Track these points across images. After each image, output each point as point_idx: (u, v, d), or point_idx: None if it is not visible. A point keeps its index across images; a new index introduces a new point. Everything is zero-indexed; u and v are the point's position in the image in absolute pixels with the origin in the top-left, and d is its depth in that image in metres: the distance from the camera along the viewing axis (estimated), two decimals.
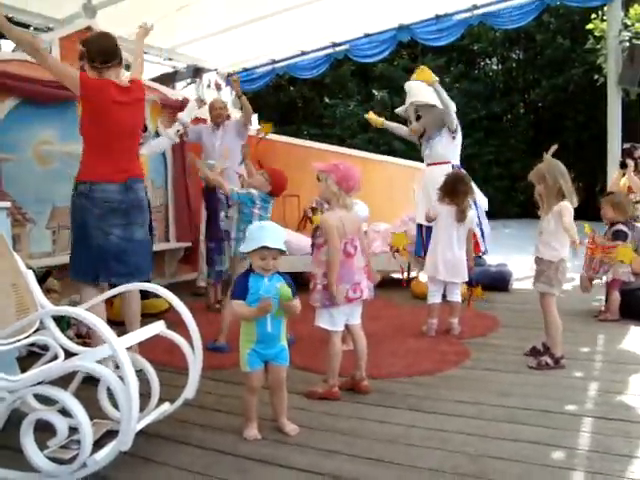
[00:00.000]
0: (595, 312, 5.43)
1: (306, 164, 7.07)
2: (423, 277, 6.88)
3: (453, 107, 6.24)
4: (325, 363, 3.48)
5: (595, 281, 5.59)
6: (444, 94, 6.07)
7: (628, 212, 5.44)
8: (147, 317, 4.26)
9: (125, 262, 3.85)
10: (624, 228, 5.30)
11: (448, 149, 6.42)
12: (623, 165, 6.02)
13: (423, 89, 6.40)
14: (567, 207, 3.86)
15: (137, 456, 2.69)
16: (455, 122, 6.22)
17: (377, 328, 4.99)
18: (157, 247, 7.21)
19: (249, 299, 2.84)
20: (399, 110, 6.95)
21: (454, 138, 6.34)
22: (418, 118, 6.60)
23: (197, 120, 6.95)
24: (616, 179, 6.26)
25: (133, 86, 3.93)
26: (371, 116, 7.07)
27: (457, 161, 6.40)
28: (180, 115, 6.12)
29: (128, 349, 2.61)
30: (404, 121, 6.97)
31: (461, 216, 4.88)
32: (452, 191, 4.90)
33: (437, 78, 6.03)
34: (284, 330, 2.96)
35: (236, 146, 6.43)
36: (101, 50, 3.81)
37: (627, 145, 6.51)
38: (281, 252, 2.87)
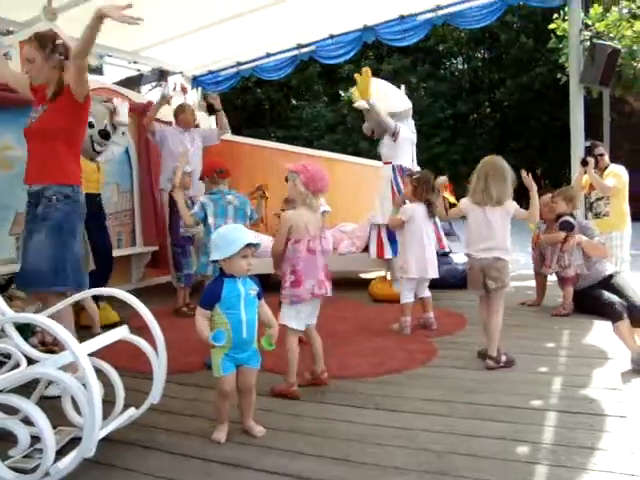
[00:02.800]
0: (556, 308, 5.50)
1: (272, 166, 7.11)
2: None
3: (386, 114, 6.32)
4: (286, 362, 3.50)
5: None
6: (375, 108, 6.13)
7: (578, 207, 5.59)
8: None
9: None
10: (570, 219, 5.38)
11: (391, 150, 6.46)
12: (584, 163, 6.11)
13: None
14: (462, 202, 4.08)
15: (102, 463, 2.66)
16: (392, 126, 6.24)
17: (343, 328, 5.01)
18: (123, 252, 7.16)
19: (224, 305, 2.83)
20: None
21: (395, 141, 6.39)
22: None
23: (157, 121, 6.91)
24: (579, 176, 6.35)
25: None
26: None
27: (400, 162, 6.41)
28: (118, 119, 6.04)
29: (91, 355, 2.59)
30: None
31: (433, 212, 4.98)
32: (426, 188, 4.98)
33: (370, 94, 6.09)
34: (256, 334, 2.95)
35: (200, 152, 6.52)
36: None
37: (587, 143, 6.61)
38: (256, 248, 2.90)
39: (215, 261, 2.92)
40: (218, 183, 4.34)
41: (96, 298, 5.10)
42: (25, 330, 4.11)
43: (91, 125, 5.47)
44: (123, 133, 5.77)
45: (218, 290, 2.84)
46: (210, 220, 4.19)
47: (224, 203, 4.24)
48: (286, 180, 3.59)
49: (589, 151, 6.31)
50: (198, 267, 4.40)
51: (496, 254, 4.00)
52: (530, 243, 6.03)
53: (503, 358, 3.93)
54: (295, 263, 3.45)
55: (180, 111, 6.86)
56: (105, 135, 5.41)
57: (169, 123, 7.31)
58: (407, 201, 5.13)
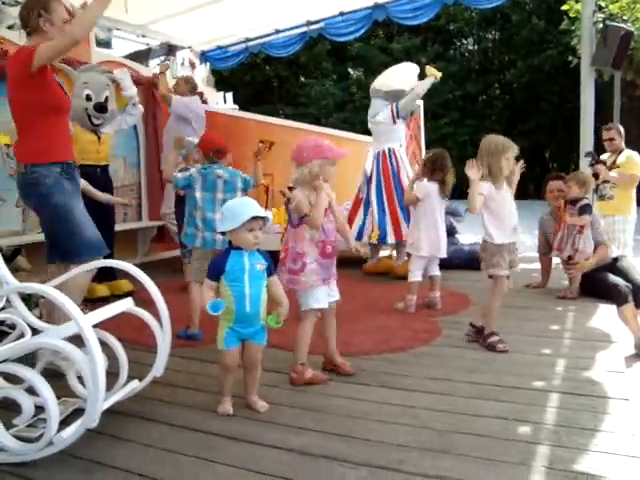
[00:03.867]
0: (561, 290, 5.49)
1: (279, 142, 7.07)
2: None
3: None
4: (296, 345, 3.40)
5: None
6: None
7: (590, 191, 5.56)
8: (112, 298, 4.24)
9: None
10: (589, 202, 5.37)
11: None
12: (595, 176, 6.07)
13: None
14: (481, 185, 3.84)
15: (105, 434, 2.67)
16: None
17: (348, 306, 4.97)
18: (129, 226, 7.17)
19: (228, 277, 2.82)
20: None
21: (395, 123, 6.50)
22: None
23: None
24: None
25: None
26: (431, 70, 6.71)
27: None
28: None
29: (95, 326, 2.59)
30: None
31: (447, 191, 4.99)
32: (442, 167, 4.96)
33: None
34: (264, 309, 2.92)
35: None
36: None
37: (589, 155, 6.57)
38: (265, 221, 2.86)
39: (223, 233, 2.92)
40: (214, 162, 4.28)
41: (104, 272, 5.05)
42: (29, 302, 4.11)
43: (89, 98, 5.35)
44: (134, 104, 5.68)
45: (223, 262, 2.84)
46: (197, 194, 4.19)
47: (214, 177, 4.22)
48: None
49: (595, 160, 6.28)
50: (184, 238, 4.35)
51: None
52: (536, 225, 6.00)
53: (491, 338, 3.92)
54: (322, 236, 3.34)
55: (185, 82, 6.81)
56: (100, 108, 5.31)
57: None
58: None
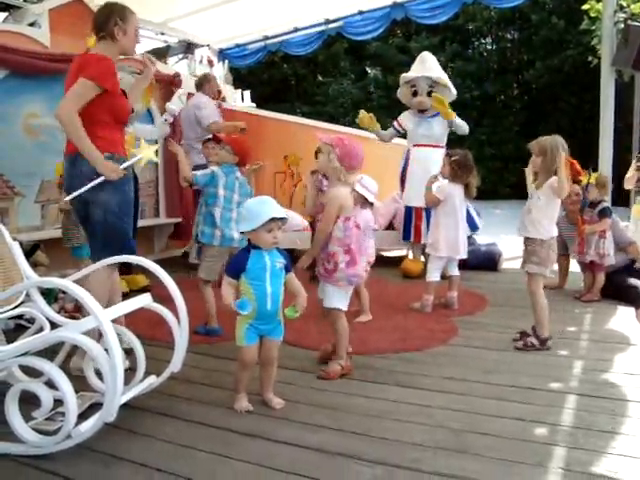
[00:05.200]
0: (580, 291, 5.45)
1: (297, 141, 7.08)
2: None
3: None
4: (337, 343, 3.45)
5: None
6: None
7: (609, 193, 5.52)
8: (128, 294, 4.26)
9: None
10: (609, 205, 5.33)
11: (444, 133, 6.49)
12: None
13: (438, 65, 6.66)
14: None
15: (122, 428, 2.69)
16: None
17: None
18: (146, 222, 7.20)
19: (249, 275, 2.83)
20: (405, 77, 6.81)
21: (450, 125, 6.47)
22: (429, 93, 6.54)
23: (188, 95, 6.90)
24: (634, 173, 6.20)
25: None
26: (364, 117, 6.75)
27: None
28: (169, 105, 5.94)
29: (114, 321, 2.61)
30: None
31: (472, 193, 5.00)
32: (468, 169, 4.96)
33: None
34: (281, 306, 2.93)
35: None
36: None
37: None
38: (283, 222, 2.86)
39: (243, 232, 2.92)
40: (236, 165, 4.34)
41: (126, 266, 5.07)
42: (48, 296, 4.15)
43: None
44: (165, 120, 5.66)
45: (244, 260, 2.84)
46: (220, 192, 4.21)
47: (233, 178, 4.27)
48: (316, 154, 3.50)
49: None
50: (201, 236, 4.31)
51: None
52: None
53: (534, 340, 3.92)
54: (349, 242, 3.34)
55: (207, 81, 6.84)
56: None
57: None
58: (440, 179, 5.08)
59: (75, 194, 3.34)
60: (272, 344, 2.95)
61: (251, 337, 2.89)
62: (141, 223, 6.88)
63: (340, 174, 3.36)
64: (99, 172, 3.28)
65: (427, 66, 6.62)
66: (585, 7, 10.20)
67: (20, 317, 3.81)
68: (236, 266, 2.88)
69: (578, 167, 4.02)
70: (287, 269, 2.95)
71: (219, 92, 6.95)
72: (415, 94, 6.62)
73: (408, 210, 6.63)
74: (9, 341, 3.12)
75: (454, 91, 6.63)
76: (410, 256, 6.90)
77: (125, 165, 3.45)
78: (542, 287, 4.00)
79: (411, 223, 6.58)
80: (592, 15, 10.27)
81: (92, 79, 3.28)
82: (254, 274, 2.83)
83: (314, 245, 3.44)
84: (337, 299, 3.41)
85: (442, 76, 6.57)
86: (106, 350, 2.38)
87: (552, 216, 3.91)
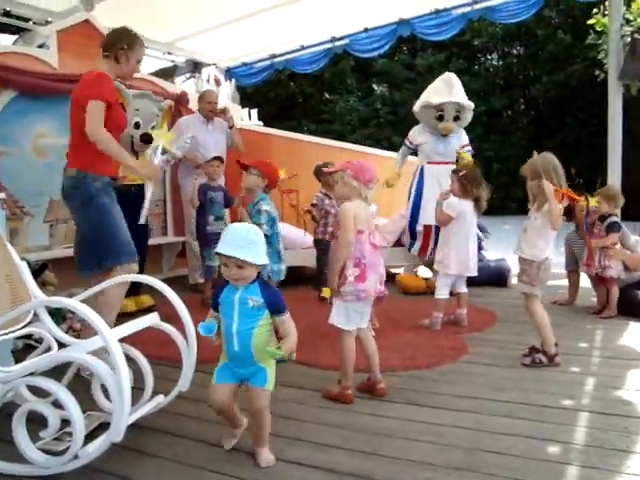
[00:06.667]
0: (593, 307, 5.41)
1: (304, 158, 7.08)
2: (423, 271, 6.91)
3: None
4: (340, 364, 3.40)
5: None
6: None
7: (619, 206, 5.45)
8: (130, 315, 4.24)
9: None
10: (618, 220, 5.28)
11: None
12: None
13: (462, 88, 6.77)
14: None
15: (130, 448, 2.67)
16: None
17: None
18: (155, 241, 7.18)
19: (220, 310, 2.58)
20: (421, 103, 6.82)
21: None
22: (455, 118, 6.61)
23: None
24: None
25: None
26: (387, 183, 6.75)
27: None
28: (174, 150, 5.87)
29: (121, 341, 2.59)
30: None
31: (482, 208, 4.95)
32: (477, 182, 4.92)
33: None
34: (260, 350, 2.51)
35: (224, 145, 6.55)
36: None
37: None
38: (230, 260, 2.46)
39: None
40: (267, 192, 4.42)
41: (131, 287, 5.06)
42: (56, 316, 4.15)
43: (137, 126, 5.52)
44: (168, 161, 5.71)
45: (218, 293, 2.61)
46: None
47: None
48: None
49: None
50: (273, 275, 4.20)
51: None
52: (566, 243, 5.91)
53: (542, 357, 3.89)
54: (359, 255, 3.27)
55: (203, 99, 6.87)
56: (145, 140, 5.40)
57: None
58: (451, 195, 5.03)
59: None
60: (253, 392, 2.54)
61: (221, 377, 2.60)
62: (149, 242, 6.89)
63: (361, 190, 3.33)
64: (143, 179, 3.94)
65: (455, 91, 6.62)
66: (591, 22, 10.18)
67: (29, 337, 3.81)
68: (214, 298, 2.63)
69: (572, 195, 3.97)
70: (274, 310, 2.54)
71: (223, 110, 6.92)
72: (441, 118, 6.57)
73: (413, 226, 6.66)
74: (18, 361, 3.11)
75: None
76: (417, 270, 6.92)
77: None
78: (539, 305, 3.96)
79: (416, 238, 6.62)
80: (598, 29, 10.25)
81: (99, 98, 3.57)
82: (223, 309, 2.57)
83: (337, 259, 3.33)
84: (339, 316, 3.33)
85: (467, 101, 6.58)
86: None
87: (547, 237, 3.89)
